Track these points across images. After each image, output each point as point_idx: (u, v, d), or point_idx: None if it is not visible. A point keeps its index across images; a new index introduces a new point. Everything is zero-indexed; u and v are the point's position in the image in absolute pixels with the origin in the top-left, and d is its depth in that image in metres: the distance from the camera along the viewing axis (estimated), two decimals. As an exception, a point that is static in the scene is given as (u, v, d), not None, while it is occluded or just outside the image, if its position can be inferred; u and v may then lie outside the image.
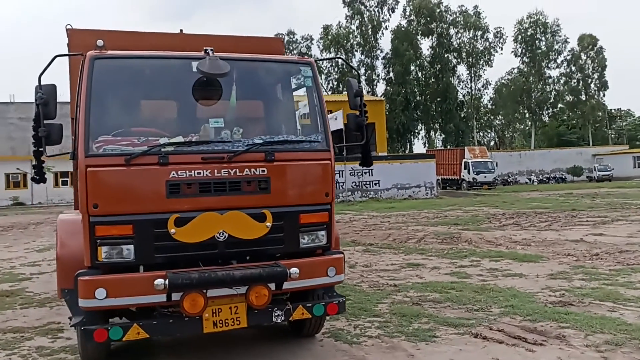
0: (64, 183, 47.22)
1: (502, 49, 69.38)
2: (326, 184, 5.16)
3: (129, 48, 5.18)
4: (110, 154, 4.62)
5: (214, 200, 4.75)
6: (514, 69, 72.85)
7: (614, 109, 77.98)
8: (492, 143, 79.08)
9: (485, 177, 45.54)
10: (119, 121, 4.93)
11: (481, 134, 79.19)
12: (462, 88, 72.03)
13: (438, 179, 42.49)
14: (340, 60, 63.21)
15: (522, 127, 79.18)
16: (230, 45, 5.83)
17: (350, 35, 69.02)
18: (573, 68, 71.21)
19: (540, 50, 70.25)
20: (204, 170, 4.72)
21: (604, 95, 71.97)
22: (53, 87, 4.93)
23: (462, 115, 71.97)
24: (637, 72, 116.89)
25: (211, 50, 4.94)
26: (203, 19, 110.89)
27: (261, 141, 4.97)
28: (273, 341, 6.00)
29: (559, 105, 73.48)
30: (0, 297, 8.91)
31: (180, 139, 4.83)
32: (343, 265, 5.22)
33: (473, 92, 72.10)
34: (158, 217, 4.61)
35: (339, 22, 71.33)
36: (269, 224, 4.85)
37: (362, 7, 69.35)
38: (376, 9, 69.48)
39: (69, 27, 6.65)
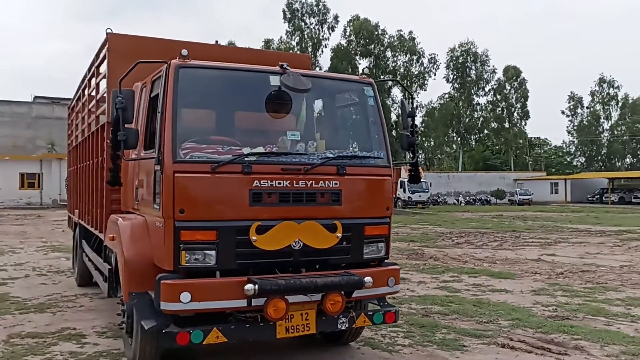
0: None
1: (435, 74, 72.08)
2: (387, 198, 5.47)
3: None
4: (197, 160, 4.72)
5: (292, 209, 4.94)
6: (445, 94, 75.90)
7: (534, 138, 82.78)
8: (422, 164, 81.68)
9: (420, 196, 47.12)
10: (200, 129, 5.04)
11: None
12: (395, 109, 74.16)
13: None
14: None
15: (450, 150, 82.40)
16: (268, 60, 6.05)
17: (291, 51, 69.60)
18: (498, 97, 75.07)
19: (470, 78, 73.65)
20: (284, 181, 4.90)
21: (525, 124, 76.39)
22: (131, 93, 4.99)
23: (395, 135, 74.00)
24: (554, 104, 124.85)
25: (287, 65, 5.15)
26: (132, 19, 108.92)
27: (332, 155, 5.21)
28: (313, 349, 6.17)
29: (485, 131, 77.14)
30: (-10, 302, 8.53)
31: (261, 149, 5.00)
32: (399, 276, 5.52)
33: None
34: (241, 225, 4.75)
35: (280, 37, 71.70)
36: (339, 234, 5.08)
37: (303, 23, 70.27)
38: (316, 27, 70.60)
39: (109, 31, 6.62)
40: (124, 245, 5.18)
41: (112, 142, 4.90)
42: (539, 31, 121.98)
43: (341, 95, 5.82)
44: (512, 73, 74.25)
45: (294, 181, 4.94)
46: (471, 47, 73.87)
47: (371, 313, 5.35)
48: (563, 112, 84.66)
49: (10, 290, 9.61)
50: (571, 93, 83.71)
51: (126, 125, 4.86)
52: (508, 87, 75.16)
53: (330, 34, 71.80)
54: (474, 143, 78.10)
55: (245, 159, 4.82)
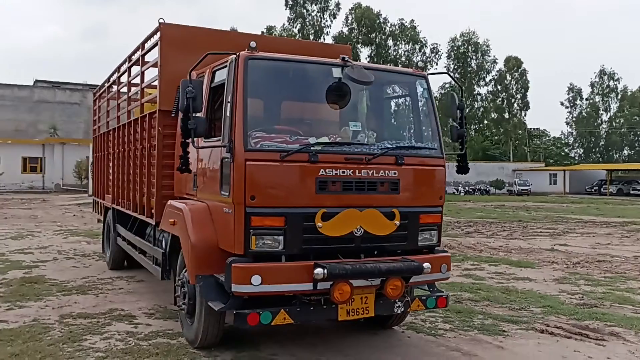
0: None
1: (437, 63, 72.04)
2: (441, 187, 5.69)
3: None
4: (267, 149, 4.91)
5: (354, 197, 5.15)
6: (446, 83, 75.93)
7: (533, 128, 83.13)
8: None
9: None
10: (266, 119, 5.23)
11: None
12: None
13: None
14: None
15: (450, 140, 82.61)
16: (311, 51, 6.24)
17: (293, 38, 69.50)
18: (499, 87, 75.26)
19: (470, 68, 73.73)
20: (347, 170, 5.11)
21: (525, 115, 76.68)
22: (200, 83, 5.16)
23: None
24: (553, 95, 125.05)
25: (348, 58, 5.34)
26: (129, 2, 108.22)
27: (391, 145, 5.41)
28: (361, 333, 6.40)
29: (485, 121, 77.39)
30: (30, 284, 8.73)
31: (325, 139, 5.19)
32: (450, 263, 5.75)
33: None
34: (308, 211, 4.96)
35: (283, 24, 71.47)
36: (397, 222, 5.29)
37: (304, 11, 70.05)
38: (318, 14, 70.39)
39: (161, 20, 6.76)
40: (190, 230, 5.37)
41: (182, 131, 5.07)
42: (540, 22, 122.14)
43: (396, 88, 6.02)
44: (513, 64, 74.41)
45: (357, 170, 5.14)
46: (472, 37, 73.91)
47: (424, 298, 5.57)
48: (562, 104, 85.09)
49: (45, 272, 9.80)
50: (570, 85, 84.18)
51: (195, 114, 5.04)
52: (509, 78, 75.33)
53: (332, 21, 71.65)
54: (473, 133, 78.34)
55: (312, 148, 5.01)
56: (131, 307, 7.38)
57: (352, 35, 71.39)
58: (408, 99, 5.95)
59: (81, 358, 5.34)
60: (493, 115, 76.60)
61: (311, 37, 69.17)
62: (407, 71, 6.04)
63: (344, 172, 5.09)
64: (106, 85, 10.85)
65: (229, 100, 5.01)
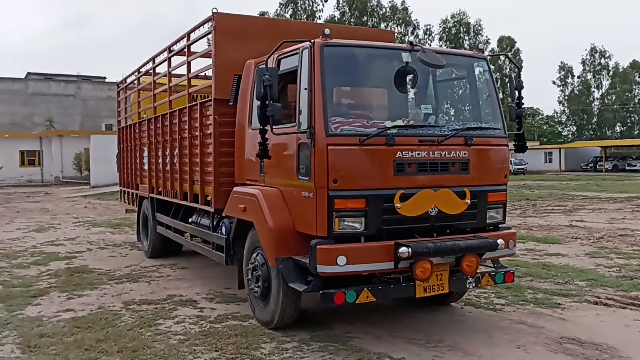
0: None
1: (430, 45, 72.00)
2: (505, 167, 5.89)
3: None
4: (347, 134, 5.05)
5: (429, 178, 5.31)
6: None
7: (527, 108, 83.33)
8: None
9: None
10: (342, 104, 5.36)
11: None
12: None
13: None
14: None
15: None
16: (353, 35, 6.35)
17: (285, 23, 69.23)
18: (493, 67, 75.35)
19: (463, 49, 73.81)
20: (422, 152, 5.26)
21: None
22: (276, 71, 5.26)
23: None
24: (544, 73, 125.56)
25: (415, 42, 5.48)
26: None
27: (460, 127, 5.57)
28: (421, 311, 6.58)
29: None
30: (78, 274, 8.85)
31: (400, 122, 5.34)
32: (516, 239, 5.95)
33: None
34: (387, 193, 5.12)
35: (276, 9, 71.12)
36: (468, 201, 5.46)
37: (296, -6, 69.79)
38: (310, -1, 70.14)
39: (214, 10, 6.84)
40: (267, 215, 5.52)
41: (260, 118, 5.19)
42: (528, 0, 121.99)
43: (460, 70, 6.15)
44: (507, 43, 74.70)
45: (430, 152, 5.30)
46: (464, 17, 73.99)
47: (493, 274, 5.76)
48: (554, 82, 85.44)
49: (86, 262, 9.91)
50: (561, 63, 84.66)
51: (272, 102, 5.14)
52: (502, 58, 75.39)
53: (323, 5, 71.52)
54: (468, 114, 78.70)
55: (389, 131, 5.15)
56: (188, 292, 7.53)
57: (344, 18, 71.32)
58: (470, 80, 6.08)
59: (164, 341, 5.49)
60: (487, 95, 76.80)
61: (304, 20, 68.85)
62: (468, 53, 6.20)
63: (418, 154, 5.25)
64: (136, 76, 10.89)
65: (305, 87, 5.13)
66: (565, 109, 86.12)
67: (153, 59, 9.57)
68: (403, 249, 4.92)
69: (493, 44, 75.32)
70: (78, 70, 66.43)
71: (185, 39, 7.92)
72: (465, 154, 5.48)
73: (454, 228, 5.54)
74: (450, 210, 5.38)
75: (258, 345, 5.36)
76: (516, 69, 6.40)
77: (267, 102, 5.09)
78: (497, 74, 74.48)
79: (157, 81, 9.45)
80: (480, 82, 5.99)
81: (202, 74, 7.89)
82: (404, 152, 5.17)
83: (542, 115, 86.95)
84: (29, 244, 12.29)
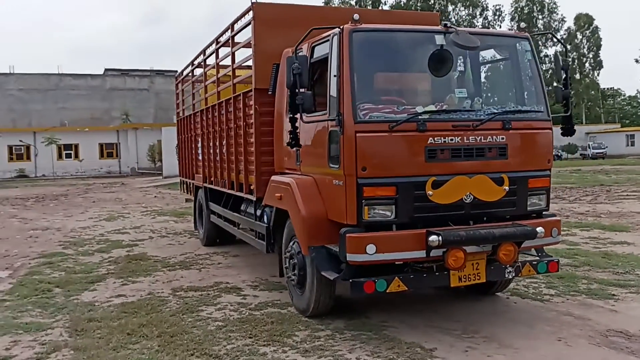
0: (68, 156, 47.16)
1: (500, 26, 69.79)
2: (548, 151, 5.60)
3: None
4: (376, 120, 4.97)
5: (463, 164, 5.14)
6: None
7: (607, 88, 79.33)
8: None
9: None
10: (373, 90, 5.27)
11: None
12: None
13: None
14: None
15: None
16: (403, 20, 6.18)
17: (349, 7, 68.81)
18: (569, 47, 72.00)
19: (537, 29, 70.86)
20: (455, 137, 5.10)
21: (597, 75, 73.22)
22: (305, 58, 5.24)
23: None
24: (628, 52, 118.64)
25: (449, 24, 5.28)
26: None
27: (497, 111, 5.35)
28: (464, 300, 6.42)
29: (555, 83, 74.33)
30: (136, 261, 9.21)
31: (432, 107, 5.19)
32: (561, 227, 5.67)
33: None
34: (418, 180, 5.00)
35: (340, -4, 70.79)
36: (506, 187, 5.25)
37: (361, -20, 69.13)
38: (375, -16, 69.32)
39: (254, 0, 6.88)
40: (299, 203, 5.53)
41: (290, 106, 5.19)
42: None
43: (499, 51, 5.92)
44: (584, 21, 70.98)
45: (464, 137, 5.12)
46: (537, -4, 70.93)
47: (535, 263, 5.52)
48: (637, 61, 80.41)
49: (145, 250, 10.32)
50: (646, 39, 79.34)
51: (302, 90, 5.13)
52: (579, 37, 72.02)
53: (388, -10, 70.47)
54: (543, 97, 75.66)
55: (420, 117, 5.02)
56: (234, 280, 7.69)
57: (411, 2, 70.03)
58: (512, 61, 5.83)
59: (202, 327, 5.63)
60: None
61: (368, 6, 68.29)
62: (509, 33, 5.95)
63: (452, 140, 5.09)
64: (190, 68, 11.16)
65: (335, 73, 5.08)
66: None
67: (204, 51, 9.77)
68: (433, 237, 4.80)
69: (569, 22, 72.10)
70: (152, 65, 68.87)
71: (229, 31, 8.02)
72: (502, 138, 5.26)
73: (491, 216, 5.35)
74: (486, 197, 5.19)
75: (292, 332, 5.40)
76: (563, 48, 6.02)
77: (297, 90, 5.08)
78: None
79: (207, 72, 9.65)
80: (522, 63, 5.72)
81: (245, 64, 7.96)
82: (435, 138, 5.03)
83: (624, 96, 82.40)
84: (97, 232, 12.94)
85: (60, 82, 54.38)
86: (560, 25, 71.55)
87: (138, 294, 7.09)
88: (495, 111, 5.33)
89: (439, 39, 5.23)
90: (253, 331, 5.45)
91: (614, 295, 6.41)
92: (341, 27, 5.12)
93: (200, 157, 10.41)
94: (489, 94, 5.91)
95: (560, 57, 5.78)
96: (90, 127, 49.32)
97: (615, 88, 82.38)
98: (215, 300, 6.65)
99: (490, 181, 5.19)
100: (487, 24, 70.12)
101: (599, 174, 30.29)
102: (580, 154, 59.76)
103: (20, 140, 46.02)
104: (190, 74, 11.32)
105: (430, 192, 5.00)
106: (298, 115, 5.24)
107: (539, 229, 5.13)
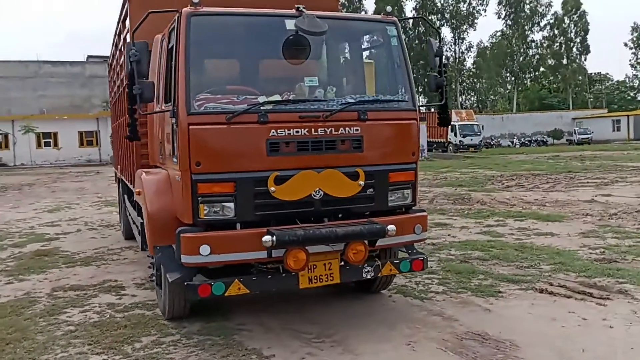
0: (47, 144, 46.66)
1: (485, 10, 69.14)
2: (413, 143, 5.25)
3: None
4: (211, 112, 4.62)
5: (311, 158, 4.80)
6: (497, 32, 72.90)
7: (594, 73, 78.79)
8: (474, 106, 79.49)
9: (471, 139, 46.01)
10: (215, 79, 4.93)
11: (463, 97, 79.64)
12: (445, 51, 71.84)
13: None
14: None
15: (504, 90, 79.71)
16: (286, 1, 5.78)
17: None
18: (556, 32, 71.50)
19: (523, 13, 70.27)
20: (302, 129, 4.75)
21: (585, 59, 72.70)
22: (145, 45, 4.87)
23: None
24: (616, 36, 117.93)
25: (304, 8, 4.91)
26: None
27: (353, 100, 5.00)
28: (345, 298, 6.13)
29: (541, 68, 74.00)
30: (39, 257, 8.90)
31: (277, 97, 4.84)
32: (427, 223, 5.35)
33: (457, 55, 72.15)
34: (259, 175, 4.66)
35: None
36: (361, 182, 4.92)
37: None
38: (360, -31, 68.47)
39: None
40: (147, 199, 5.20)
41: (128, 97, 4.84)
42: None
43: (363, 37, 5.55)
44: (572, 5, 70.23)
45: (313, 129, 4.77)
46: (524, -22, 70.15)
47: (398, 261, 5.22)
48: (626, 45, 79.92)
49: (62, 244, 10.01)
50: (635, 24, 78.52)
51: (141, 79, 4.77)
52: (567, 21, 71.33)
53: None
54: (528, 82, 75.17)
55: (261, 108, 4.68)
56: (126, 277, 7.37)
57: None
58: (378, 48, 5.47)
59: (49, 332, 5.32)
60: (550, 61, 72.99)
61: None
62: (374, 18, 5.55)
63: (298, 132, 4.74)
64: (111, 55, 10.77)
65: (173, 61, 4.73)
66: (638, 73, 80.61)
67: (114, 34, 9.36)
68: (266, 238, 4.47)
69: (556, 7, 71.38)
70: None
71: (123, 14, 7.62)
72: (357, 130, 4.91)
73: (348, 212, 5.02)
74: (338, 193, 4.86)
75: (138, 338, 5.10)
76: (436, 34, 5.66)
77: (134, 80, 4.73)
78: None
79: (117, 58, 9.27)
80: (388, 49, 5.36)
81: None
82: (278, 131, 4.68)
83: (612, 80, 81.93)
84: (29, 225, 12.62)
85: (39, 69, 53.63)
86: (547, 9, 70.92)
87: (14, 293, 6.78)
88: (351, 101, 4.98)
89: (290, 24, 4.86)
90: (98, 337, 5.14)
91: (499, 292, 6.13)
92: (180, 10, 4.75)
93: (116, 148, 10.07)
94: (350, 83, 5.54)
95: (433, 43, 5.41)
96: (69, 114, 48.72)
97: (603, 73, 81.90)
98: (87, 301, 6.34)
99: (343, 176, 4.85)
100: (471, 9, 69.41)
101: (574, 161, 30.01)
102: (567, 140, 59.46)
103: (-1, 129, 45.50)
104: (111, 60, 10.92)
105: (272, 189, 4.67)
106: (137, 106, 4.88)
107: (390, 227, 4.78)
